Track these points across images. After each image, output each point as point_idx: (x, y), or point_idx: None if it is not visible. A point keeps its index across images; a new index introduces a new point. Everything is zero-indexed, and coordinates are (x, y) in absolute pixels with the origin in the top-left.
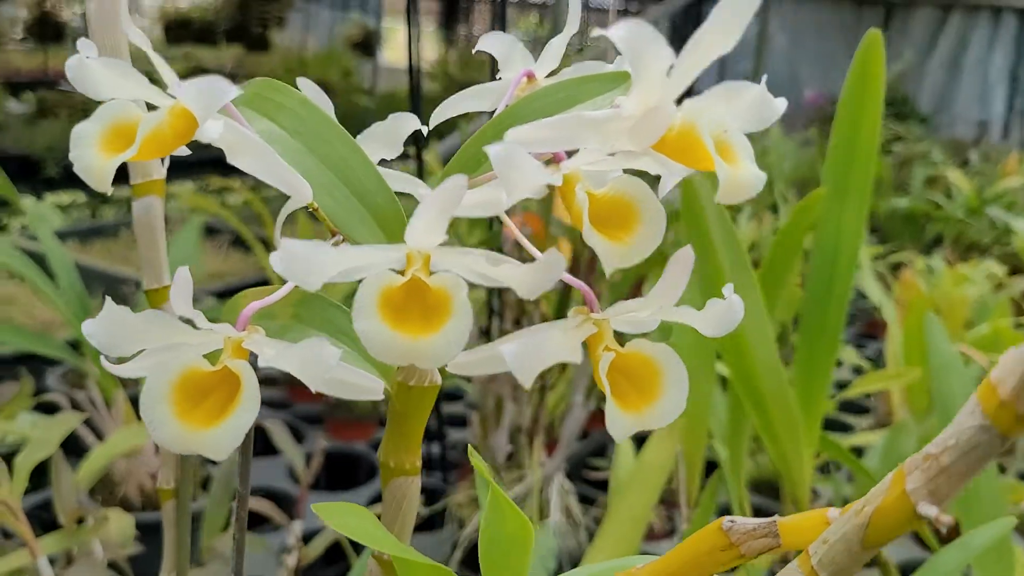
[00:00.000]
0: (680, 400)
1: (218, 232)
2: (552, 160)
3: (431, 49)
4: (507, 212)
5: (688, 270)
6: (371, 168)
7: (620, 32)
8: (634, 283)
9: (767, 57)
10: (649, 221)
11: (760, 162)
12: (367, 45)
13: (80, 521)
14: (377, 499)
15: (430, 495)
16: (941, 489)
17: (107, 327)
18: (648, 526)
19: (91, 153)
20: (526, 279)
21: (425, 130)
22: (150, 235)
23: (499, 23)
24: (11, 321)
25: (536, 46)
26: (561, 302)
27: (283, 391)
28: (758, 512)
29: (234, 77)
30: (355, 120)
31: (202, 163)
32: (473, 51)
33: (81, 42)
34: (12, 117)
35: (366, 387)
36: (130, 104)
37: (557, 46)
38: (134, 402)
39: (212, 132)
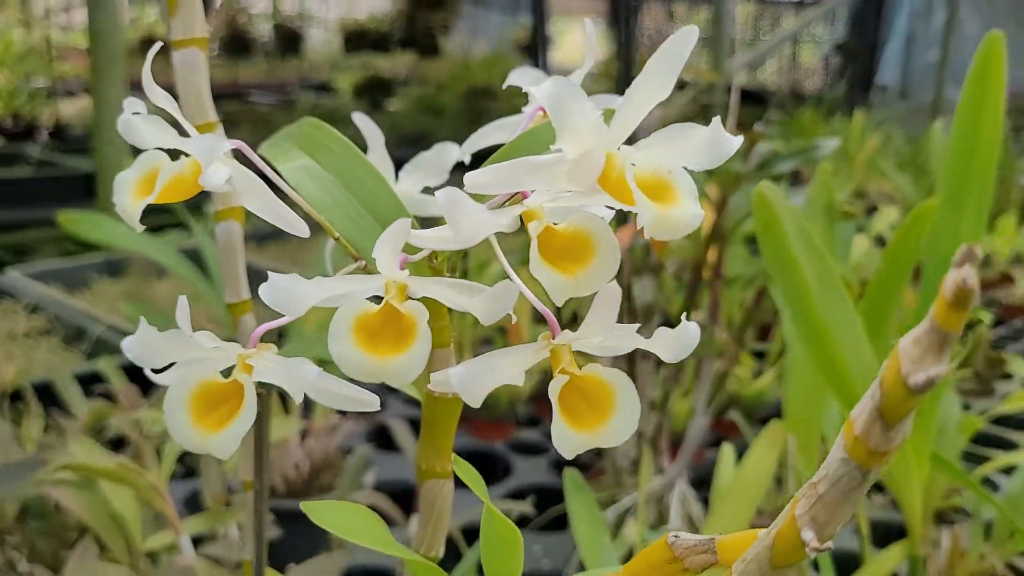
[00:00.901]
0: (632, 421)
1: None
2: (515, 198)
3: (599, 48)
4: (618, 222)
5: (615, 306)
6: (394, 199)
7: (545, 89)
8: (758, 293)
9: (956, 44)
10: (603, 255)
11: (916, 161)
12: (534, 47)
13: (228, 505)
14: (509, 496)
15: (554, 494)
16: (819, 516)
17: (140, 344)
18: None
19: (127, 197)
20: (483, 307)
21: (467, 159)
22: (231, 255)
23: (668, 20)
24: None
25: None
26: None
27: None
28: (885, 530)
29: (406, 82)
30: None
31: None
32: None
33: (127, 101)
34: None
35: (357, 399)
36: (162, 154)
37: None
38: (283, 396)
39: (215, 179)
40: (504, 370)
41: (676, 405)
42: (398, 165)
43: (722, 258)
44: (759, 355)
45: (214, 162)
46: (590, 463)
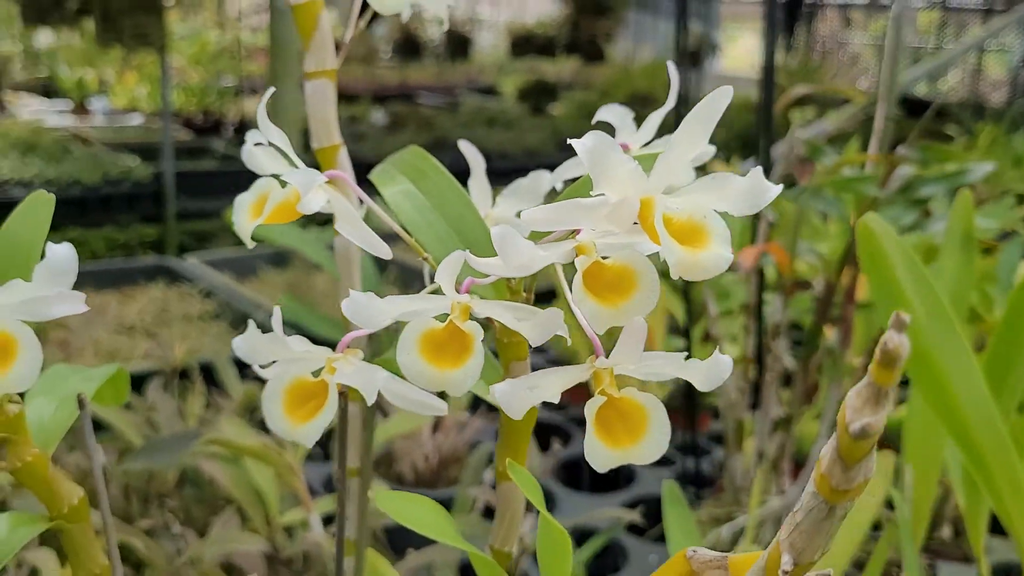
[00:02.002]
0: (663, 442)
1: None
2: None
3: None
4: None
5: (641, 338)
6: (479, 221)
7: (583, 143)
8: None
9: None
10: (644, 290)
11: None
12: (699, 54)
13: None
14: (628, 505)
15: None
16: (797, 543)
17: (247, 343)
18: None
19: (243, 217)
20: (532, 331)
21: (559, 186)
22: (347, 267)
23: (844, 27)
24: (324, 313)
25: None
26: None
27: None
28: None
29: (570, 87)
30: (670, 127)
31: None
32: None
33: (251, 133)
34: (373, 128)
35: (427, 404)
36: (273, 181)
37: (654, 121)
38: None
39: (311, 206)
40: (547, 388)
41: (806, 427)
42: (551, 170)
43: (855, 283)
44: (904, 383)
45: (311, 191)
46: (712, 479)
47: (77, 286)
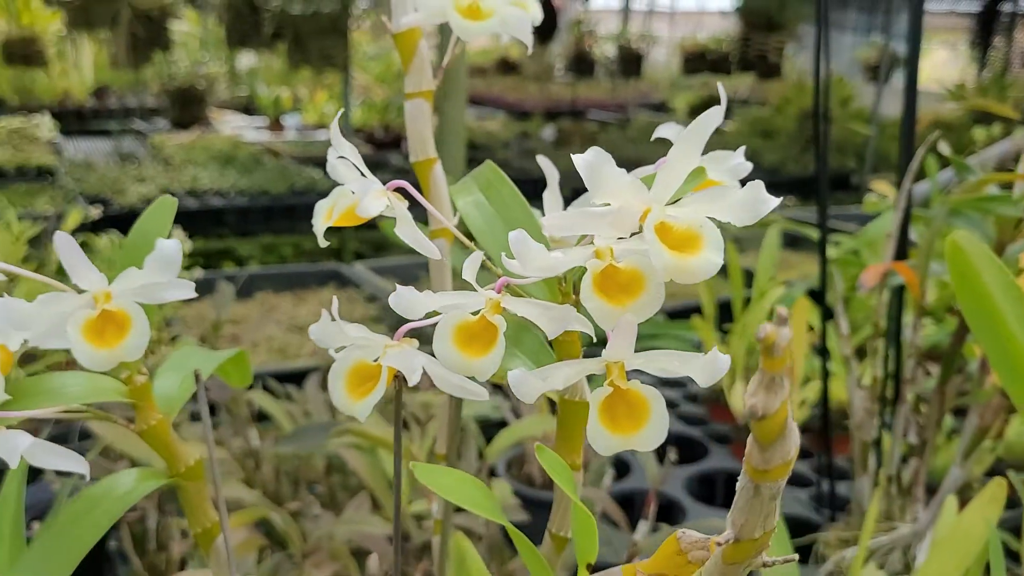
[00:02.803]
0: (661, 432)
1: None
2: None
3: (959, 70)
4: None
5: (632, 334)
6: (536, 228)
7: (582, 158)
8: None
9: None
10: (651, 291)
11: None
12: (883, 68)
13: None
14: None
15: (809, 528)
16: (737, 520)
17: (320, 330)
18: None
19: (319, 220)
20: (548, 323)
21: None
22: (440, 272)
23: None
24: None
25: None
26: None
27: (703, 408)
28: None
29: (745, 103)
30: (853, 147)
31: None
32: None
33: (332, 148)
34: (541, 143)
35: (466, 389)
36: (346, 189)
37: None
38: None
39: (369, 210)
40: (557, 379)
41: (943, 453)
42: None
43: None
44: None
45: (370, 197)
46: (845, 503)
47: (258, 287)
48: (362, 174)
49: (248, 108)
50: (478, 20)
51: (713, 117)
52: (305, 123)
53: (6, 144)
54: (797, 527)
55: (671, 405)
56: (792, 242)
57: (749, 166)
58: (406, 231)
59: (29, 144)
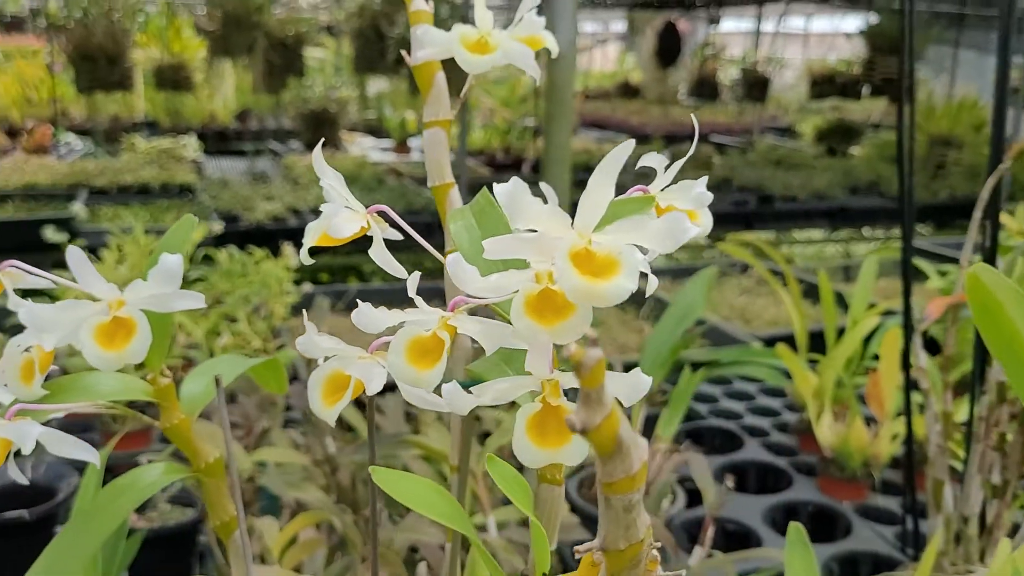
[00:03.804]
0: (584, 447)
1: None
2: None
3: None
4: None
5: (545, 354)
6: None
7: (502, 188)
8: None
9: None
10: (579, 314)
11: None
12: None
13: None
14: (844, 558)
15: (891, 566)
16: (601, 530)
17: (304, 342)
18: None
19: (307, 239)
20: (484, 340)
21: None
22: (452, 288)
23: None
24: None
25: None
26: None
27: (793, 438)
28: None
29: (876, 127)
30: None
31: None
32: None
33: (322, 179)
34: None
35: (430, 401)
36: (336, 207)
37: (672, 169)
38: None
39: (342, 232)
40: (490, 394)
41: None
42: (842, 215)
43: None
44: None
45: (340, 219)
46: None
47: (368, 302)
48: (345, 199)
49: (376, 130)
50: (484, 54)
51: (622, 151)
52: None
53: (154, 163)
54: (881, 565)
55: (760, 433)
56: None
57: (710, 196)
58: (377, 252)
59: (175, 163)
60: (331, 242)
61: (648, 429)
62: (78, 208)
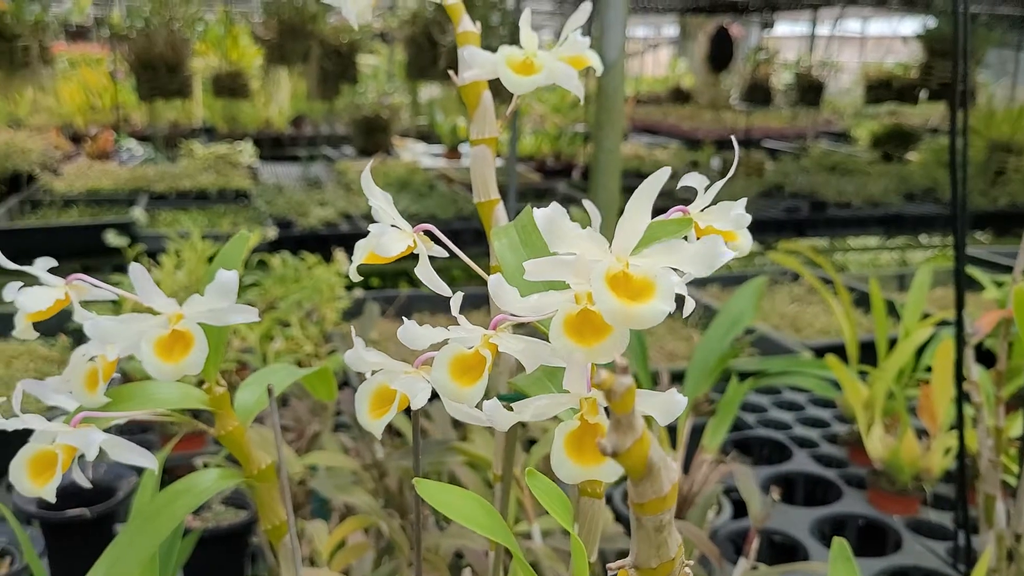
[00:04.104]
0: (615, 466)
1: None
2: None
3: None
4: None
5: (584, 371)
6: None
7: (541, 213)
8: None
9: None
10: (617, 334)
11: None
12: None
13: None
14: (892, 574)
15: None
16: (633, 550)
17: (353, 356)
18: None
19: (356, 257)
20: (525, 358)
21: None
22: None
23: None
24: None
25: None
26: None
27: (843, 450)
28: None
29: (935, 132)
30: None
31: None
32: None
33: (369, 193)
34: (709, 172)
35: (473, 416)
36: (383, 227)
37: (713, 190)
38: (671, 428)
39: (390, 250)
40: (529, 411)
41: None
42: (897, 222)
43: None
44: None
45: (387, 238)
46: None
47: (417, 308)
48: (392, 217)
49: (428, 136)
50: (528, 75)
51: (660, 177)
52: None
53: (211, 168)
54: None
55: (810, 445)
56: (970, 281)
57: (748, 217)
58: (423, 271)
59: (231, 168)
60: (379, 260)
61: (696, 438)
62: (138, 213)
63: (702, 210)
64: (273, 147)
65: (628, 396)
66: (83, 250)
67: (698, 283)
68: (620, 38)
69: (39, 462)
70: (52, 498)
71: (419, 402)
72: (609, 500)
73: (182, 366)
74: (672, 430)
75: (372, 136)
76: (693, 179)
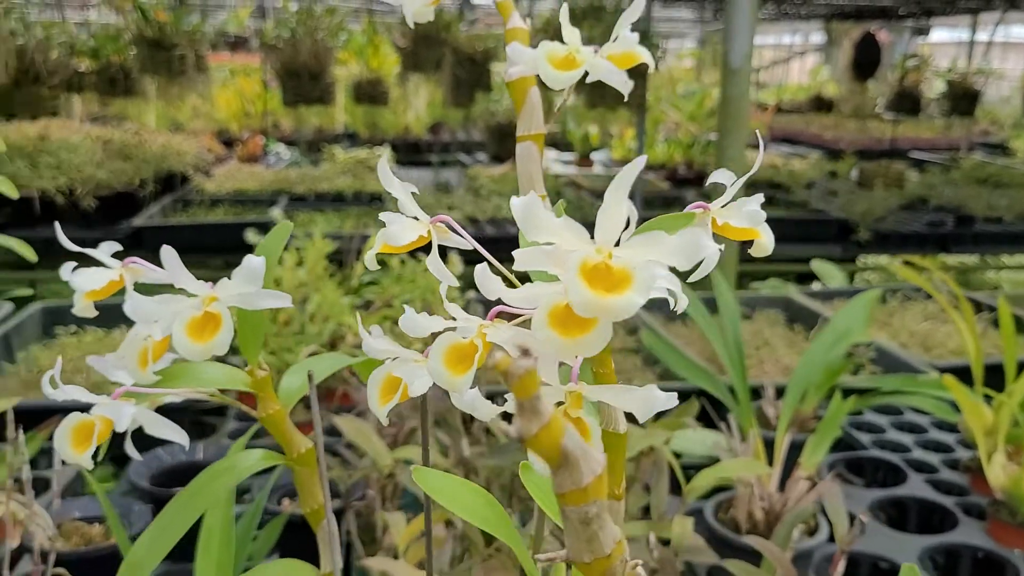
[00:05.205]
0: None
1: None
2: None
3: None
4: None
5: (554, 364)
6: None
7: (516, 202)
8: None
9: None
10: (600, 327)
11: None
12: None
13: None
14: None
15: None
16: (566, 542)
17: (407, 322)
18: None
19: (376, 245)
20: (511, 346)
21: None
22: None
23: None
24: (688, 358)
25: None
26: None
27: (964, 477)
28: None
29: None
30: None
31: None
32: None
33: (400, 211)
34: (848, 183)
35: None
36: (397, 216)
37: (735, 186)
38: (765, 442)
39: (400, 240)
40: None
41: None
42: None
43: None
44: None
45: (396, 228)
46: None
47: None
48: (411, 211)
49: (560, 143)
50: (569, 70)
51: (635, 167)
52: (613, 159)
53: (349, 172)
54: None
55: (928, 470)
56: None
57: (763, 214)
58: (432, 262)
59: (368, 172)
60: (392, 249)
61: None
62: (276, 213)
63: (723, 207)
64: (410, 152)
65: (527, 379)
66: (226, 246)
67: (824, 296)
68: (746, 45)
69: (80, 431)
70: (89, 465)
71: (417, 389)
72: (699, 513)
73: (210, 346)
74: (770, 445)
75: (504, 142)
76: (722, 176)
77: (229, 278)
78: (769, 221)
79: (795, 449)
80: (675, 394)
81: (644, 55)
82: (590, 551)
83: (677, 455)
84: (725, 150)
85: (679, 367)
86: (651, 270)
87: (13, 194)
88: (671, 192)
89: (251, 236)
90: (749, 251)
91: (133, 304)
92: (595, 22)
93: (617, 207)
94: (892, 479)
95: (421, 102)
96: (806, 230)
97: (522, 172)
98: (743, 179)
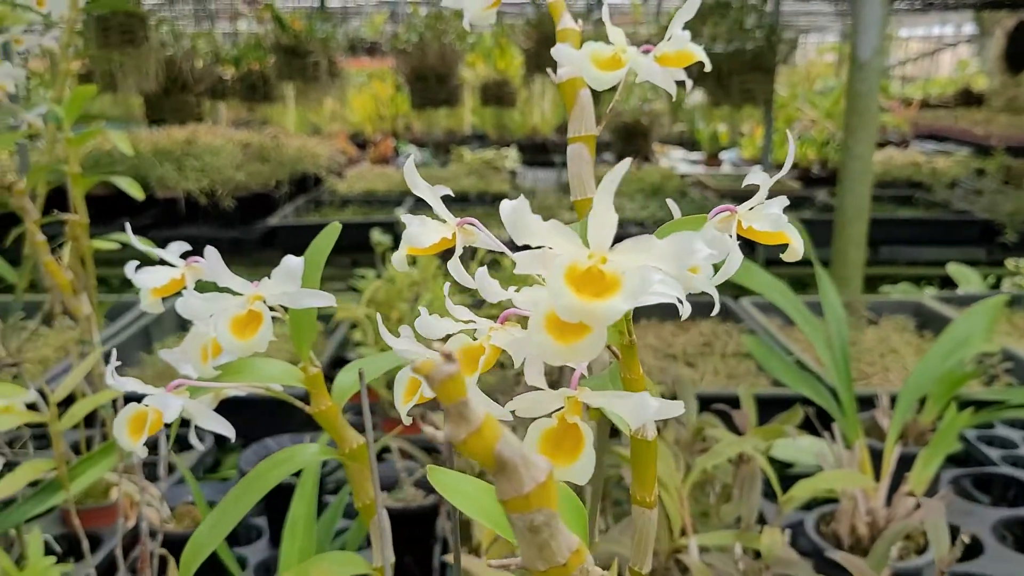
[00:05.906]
0: (589, 468)
1: None
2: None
3: None
4: None
5: (540, 367)
6: None
7: (505, 206)
8: None
9: None
10: (595, 335)
11: None
12: None
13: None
14: None
15: None
16: (520, 552)
17: (423, 324)
18: None
19: (403, 246)
20: (514, 351)
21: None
22: None
23: None
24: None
25: None
26: None
27: None
28: None
29: None
30: None
31: None
32: (744, 183)
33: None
34: (994, 182)
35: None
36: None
37: (764, 190)
38: (875, 454)
39: (422, 242)
40: (521, 409)
41: None
42: None
43: None
44: None
45: (415, 229)
46: None
47: (646, 315)
48: (437, 211)
49: (689, 143)
50: (612, 71)
51: (620, 170)
52: (743, 158)
53: (475, 173)
54: None
55: None
56: None
57: (785, 218)
58: (453, 265)
59: (493, 173)
60: (416, 251)
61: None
62: (401, 213)
63: (750, 209)
64: (537, 153)
65: (451, 384)
66: (353, 246)
67: (959, 301)
68: (876, 38)
69: (136, 421)
70: (143, 453)
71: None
72: (800, 525)
73: (251, 343)
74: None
75: (631, 142)
76: (756, 176)
77: (363, 277)
78: (902, 222)
79: (910, 462)
80: (680, 403)
81: (699, 53)
82: (542, 559)
83: (786, 465)
84: (851, 149)
85: (781, 373)
86: (642, 275)
87: (139, 195)
88: (802, 191)
89: (376, 236)
90: (781, 255)
91: (184, 301)
92: (719, 19)
93: (606, 211)
94: (1022, 498)
95: (547, 103)
96: (945, 231)
97: (573, 174)
98: (775, 178)
